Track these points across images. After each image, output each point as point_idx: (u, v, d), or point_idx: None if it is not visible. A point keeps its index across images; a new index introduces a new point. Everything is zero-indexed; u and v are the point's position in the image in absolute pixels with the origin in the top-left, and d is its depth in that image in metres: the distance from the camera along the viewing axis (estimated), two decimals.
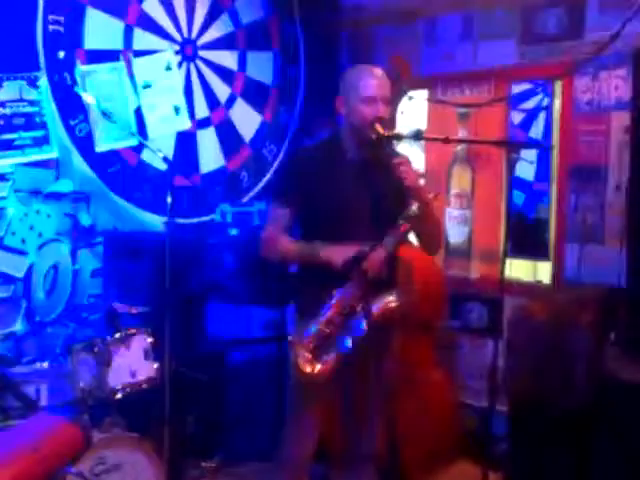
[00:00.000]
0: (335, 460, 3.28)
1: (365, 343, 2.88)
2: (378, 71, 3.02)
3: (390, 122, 3.14)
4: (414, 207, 2.86)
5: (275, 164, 5.40)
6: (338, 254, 2.84)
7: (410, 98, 4.73)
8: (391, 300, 2.92)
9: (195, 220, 5.00)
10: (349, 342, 2.86)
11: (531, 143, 4.70)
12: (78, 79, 4.44)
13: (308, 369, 2.84)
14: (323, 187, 2.95)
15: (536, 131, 4.74)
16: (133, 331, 3.65)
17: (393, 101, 3.43)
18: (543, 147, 4.46)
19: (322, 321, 2.86)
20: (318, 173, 2.98)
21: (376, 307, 2.89)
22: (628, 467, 3.48)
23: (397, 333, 3.18)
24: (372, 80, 2.96)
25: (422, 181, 3.01)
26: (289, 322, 4.29)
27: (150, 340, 3.67)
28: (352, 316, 2.88)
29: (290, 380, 3.08)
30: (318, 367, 2.84)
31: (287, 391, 3.13)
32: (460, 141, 5.02)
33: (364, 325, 2.85)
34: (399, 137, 3.19)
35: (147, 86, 4.76)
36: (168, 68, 4.88)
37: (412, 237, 3.21)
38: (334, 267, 2.83)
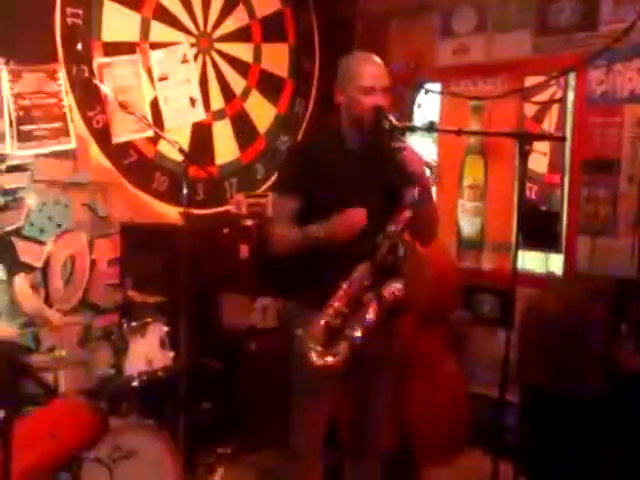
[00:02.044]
0: (346, 449, 3.29)
1: (374, 332, 2.88)
2: (376, 59, 2.99)
3: (407, 114, 3.14)
4: (415, 193, 2.85)
5: None
6: (341, 227, 2.85)
7: (426, 92, 4.75)
8: (398, 288, 2.90)
9: (210, 211, 5.04)
10: (358, 332, 2.84)
11: (544, 135, 4.70)
12: (96, 71, 4.48)
13: (320, 362, 2.80)
14: (324, 178, 2.94)
15: (549, 123, 4.75)
16: (149, 320, 3.67)
17: (410, 93, 3.45)
18: (556, 139, 4.46)
19: (330, 313, 2.83)
20: (318, 163, 2.96)
21: (382, 297, 2.87)
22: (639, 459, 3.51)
23: (406, 321, 3.16)
24: (371, 69, 2.93)
25: (427, 170, 2.96)
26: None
27: (166, 329, 3.70)
28: (360, 306, 2.87)
29: (295, 371, 3.06)
30: (330, 359, 2.80)
31: (292, 381, 3.10)
32: (473, 133, 5.03)
33: (372, 315, 2.85)
34: (413, 129, 3.21)
35: (163, 78, 4.80)
36: (184, 60, 4.92)
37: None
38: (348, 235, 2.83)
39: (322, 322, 2.83)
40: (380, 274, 2.88)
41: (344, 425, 3.24)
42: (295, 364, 3.00)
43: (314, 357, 2.80)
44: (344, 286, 2.85)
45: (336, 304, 2.84)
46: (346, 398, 3.14)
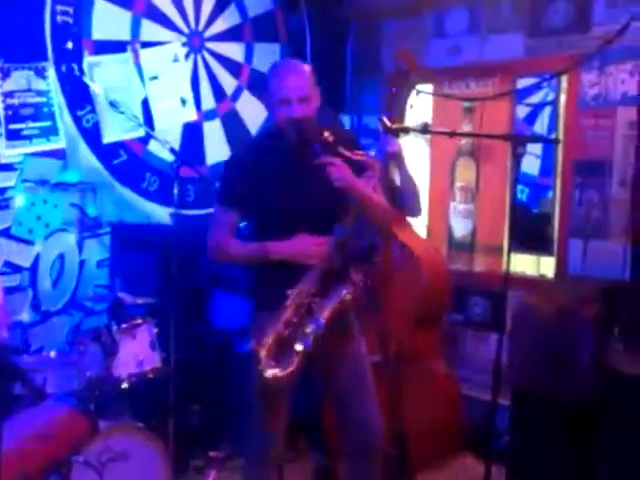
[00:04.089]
0: (339, 452, 3.28)
1: (328, 336, 2.84)
2: (295, 67, 2.96)
3: (400, 115, 3.12)
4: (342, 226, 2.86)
5: None
6: (287, 248, 2.86)
7: (418, 92, 4.73)
8: (344, 294, 2.88)
9: (201, 212, 5.02)
10: (310, 340, 2.80)
11: (536, 137, 4.70)
12: (86, 70, 4.45)
13: (271, 374, 2.80)
14: (265, 179, 2.92)
15: (541, 125, 4.75)
16: (139, 321, 3.67)
17: (403, 95, 3.42)
18: (548, 141, 4.46)
19: (279, 324, 2.82)
20: (258, 167, 2.95)
21: (332, 302, 2.85)
22: (631, 461, 3.50)
23: (358, 320, 3.12)
24: (286, 80, 2.88)
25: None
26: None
27: (156, 330, 3.69)
28: (309, 314, 2.84)
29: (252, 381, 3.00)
30: (280, 371, 2.79)
31: (248, 390, 3.09)
32: (465, 135, 5.02)
33: (322, 321, 2.82)
34: (406, 130, 3.19)
35: (154, 78, 4.78)
36: (175, 60, 4.89)
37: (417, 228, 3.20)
38: (291, 260, 2.84)
39: (271, 334, 2.81)
40: (327, 279, 2.86)
41: (332, 427, 3.22)
42: (251, 374, 2.95)
43: (265, 370, 2.80)
44: (291, 295, 2.83)
45: (285, 316, 2.82)
46: (328, 400, 3.11)
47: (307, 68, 2.97)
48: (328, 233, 2.88)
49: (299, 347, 2.80)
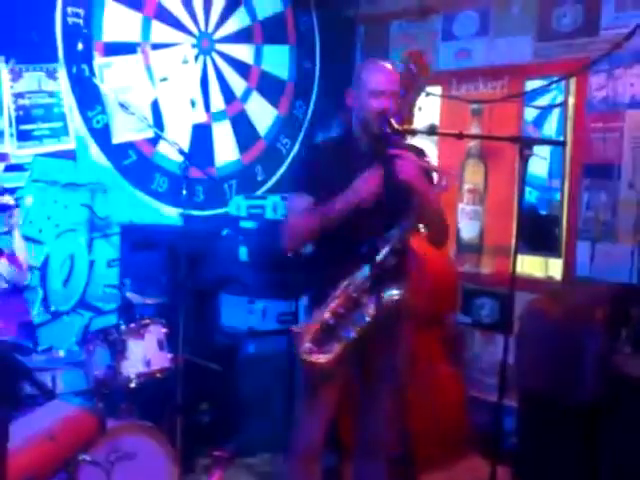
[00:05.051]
0: (348, 451, 3.29)
1: (372, 334, 2.88)
2: (388, 66, 3.05)
3: (408, 117, 3.14)
4: (410, 217, 2.89)
5: (289, 158, 5.44)
6: (363, 187, 2.87)
7: (427, 94, 4.73)
8: (397, 293, 2.92)
9: (210, 212, 5.04)
10: (353, 333, 2.86)
11: (544, 140, 4.70)
12: (96, 71, 4.48)
13: (310, 359, 2.85)
14: (338, 180, 2.94)
15: (550, 128, 4.74)
16: (147, 321, 3.66)
17: (411, 96, 3.44)
18: (554, 143, 4.45)
19: (326, 312, 2.87)
20: (333, 166, 3.00)
21: (380, 300, 2.88)
22: (637, 463, 3.50)
23: (405, 325, 3.17)
24: (380, 74, 2.99)
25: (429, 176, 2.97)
26: (302, 314, 4.32)
27: (164, 330, 3.69)
28: (357, 307, 2.89)
29: (297, 369, 3.09)
30: (320, 357, 2.84)
31: (298, 382, 3.13)
32: (473, 137, 5.01)
33: (367, 317, 2.86)
34: (413, 132, 3.20)
35: (164, 79, 4.80)
36: (185, 61, 4.91)
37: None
38: (366, 198, 2.86)
39: (316, 320, 2.86)
40: (381, 277, 2.88)
41: (346, 427, 3.24)
42: (297, 362, 3.00)
43: (305, 354, 2.85)
44: (343, 286, 2.88)
45: (333, 304, 2.87)
46: (350, 401, 3.13)
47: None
48: (395, 226, 2.91)
49: (349, 335, 2.83)
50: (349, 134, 3.11)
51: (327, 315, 2.87)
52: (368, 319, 2.87)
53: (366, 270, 2.89)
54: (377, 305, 2.87)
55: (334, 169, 2.99)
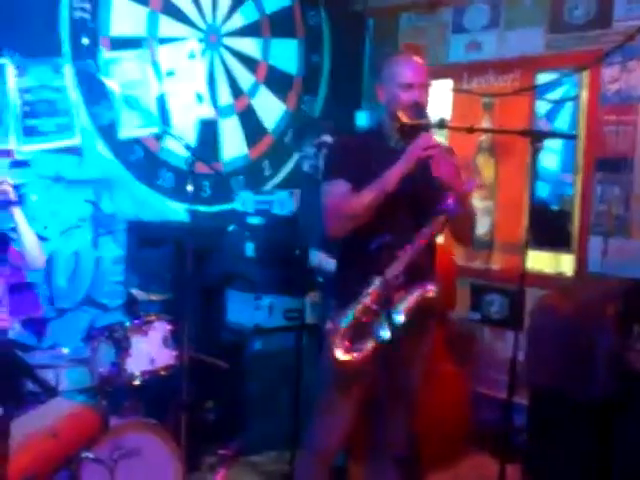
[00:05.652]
0: (357, 452, 3.25)
1: (404, 333, 2.83)
2: (416, 59, 3.05)
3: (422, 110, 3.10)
4: (448, 202, 2.82)
5: (296, 153, 5.39)
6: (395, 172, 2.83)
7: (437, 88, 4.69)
8: (428, 290, 2.88)
9: (216, 208, 5.00)
10: (386, 332, 2.80)
11: (556, 133, 4.63)
12: (102, 66, 4.45)
13: (343, 356, 2.81)
14: (369, 174, 2.90)
15: (562, 121, 4.68)
16: (153, 318, 3.64)
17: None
18: (566, 137, 4.39)
19: (359, 309, 2.83)
20: (364, 160, 2.96)
21: (413, 296, 2.85)
22: None
23: (433, 323, 3.12)
24: (409, 67, 2.99)
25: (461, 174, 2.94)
26: (308, 311, 4.29)
27: (169, 327, 3.67)
28: (390, 305, 2.84)
29: (322, 368, 3.01)
30: (354, 355, 2.81)
31: (319, 379, 3.06)
32: (484, 130, 4.96)
33: (401, 315, 2.82)
34: (423, 126, 3.15)
35: (170, 74, 4.76)
36: (192, 56, 4.88)
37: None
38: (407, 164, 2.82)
39: (349, 318, 2.83)
40: (413, 274, 2.85)
41: (360, 425, 3.18)
42: (324, 359, 2.95)
43: (338, 352, 2.82)
44: (376, 283, 2.84)
45: (366, 301, 2.84)
46: (367, 397, 3.08)
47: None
48: (427, 222, 2.87)
49: (382, 333, 2.80)
50: (378, 129, 3.08)
51: (360, 312, 2.83)
52: (401, 317, 2.82)
53: (399, 266, 2.84)
54: (409, 303, 2.84)
55: (364, 164, 2.94)
